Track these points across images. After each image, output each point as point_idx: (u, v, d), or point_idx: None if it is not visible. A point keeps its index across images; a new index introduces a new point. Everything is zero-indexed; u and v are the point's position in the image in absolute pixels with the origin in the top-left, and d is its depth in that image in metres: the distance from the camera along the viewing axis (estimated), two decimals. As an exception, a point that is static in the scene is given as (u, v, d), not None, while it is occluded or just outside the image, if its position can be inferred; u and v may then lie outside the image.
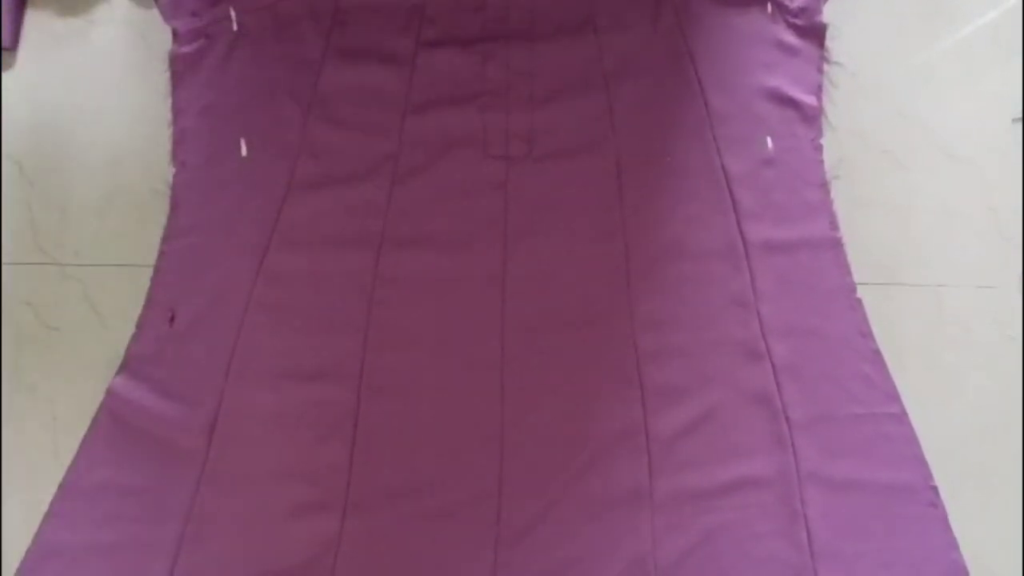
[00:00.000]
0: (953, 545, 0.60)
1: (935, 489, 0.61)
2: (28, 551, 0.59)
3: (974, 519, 0.60)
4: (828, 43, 0.69)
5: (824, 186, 0.66)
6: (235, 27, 0.69)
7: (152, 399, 0.62)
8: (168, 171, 0.67)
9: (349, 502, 0.60)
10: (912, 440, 0.61)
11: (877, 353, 0.63)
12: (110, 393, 0.62)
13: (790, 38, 0.69)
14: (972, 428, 0.63)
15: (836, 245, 0.65)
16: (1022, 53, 0.69)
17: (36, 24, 0.72)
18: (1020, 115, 0.69)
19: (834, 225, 0.66)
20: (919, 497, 0.61)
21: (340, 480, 0.60)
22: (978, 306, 0.65)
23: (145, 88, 0.70)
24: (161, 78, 0.69)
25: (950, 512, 0.60)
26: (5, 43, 0.71)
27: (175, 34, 0.69)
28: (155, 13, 0.71)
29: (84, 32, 0.72)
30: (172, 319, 0.64)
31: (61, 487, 0.61)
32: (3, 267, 0.67)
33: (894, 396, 0.62)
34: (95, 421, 0.62)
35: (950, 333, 0.65)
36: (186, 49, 0.69)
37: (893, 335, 0.64)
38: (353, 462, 0.60)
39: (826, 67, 0.69)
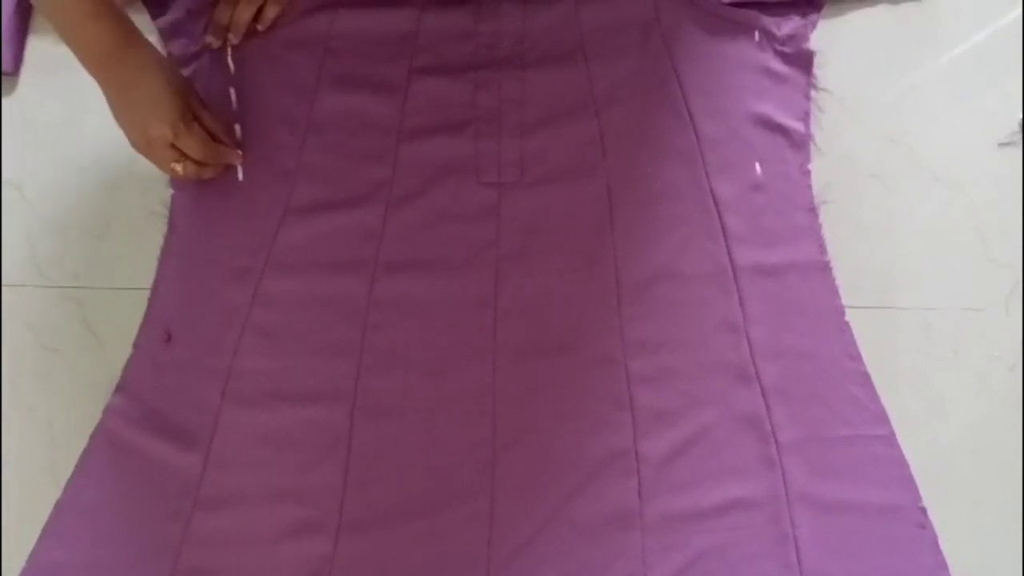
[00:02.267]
0: (942, 566, 0.60)
1: (924, 510, 0.61)
2: (23, 571, 0.60)
3: (963, 540, 0.61)
4: (816, 70, 0.70)
5: (812, 210, 0.67)
6: (230, 52, 0.70)
7: (148, 420, 0.63)
8: (166, 194, 0.68)
9: (342, 524, 0.60)
10: (901, 461, 0.62)
11: (866, 375, 0.64)
12: (107, 413, 0.63)
13: (778, 65, 0.70)
14: (961, 449, 0.63)
15: (824, 268, 0.66)
16: (1021, 76, 0.70)
17: (38, 49, 0.73)
18: (1005, 139, 0.70)
19: (822, 249, 0.66)
20: (908, 518, 0.61)
21: (333, 502, 0.61)
22: (966, 328, 0.66)
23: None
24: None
25: (939, 533, 0.61)
26: (7, 68, 0.72)
27: (170, 57, 0.71)
28: (154, 38, 0.72)
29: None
30: (168, 339, 0.64)
31: (57, 506, 0.61)
32: (2, 288, 0.68)
33: (883, 418, 0.63)
34: (92, 441, 0.63)
35: (938, 355, 0.65)
36: (182, 73, 0.70)
37: (882, 357, 0.64)
38: (347, 484, 0.61)
39: (814, 93, 0.70)
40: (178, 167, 0.63)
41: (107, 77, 0.59)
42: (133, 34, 0.60)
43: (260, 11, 0.70)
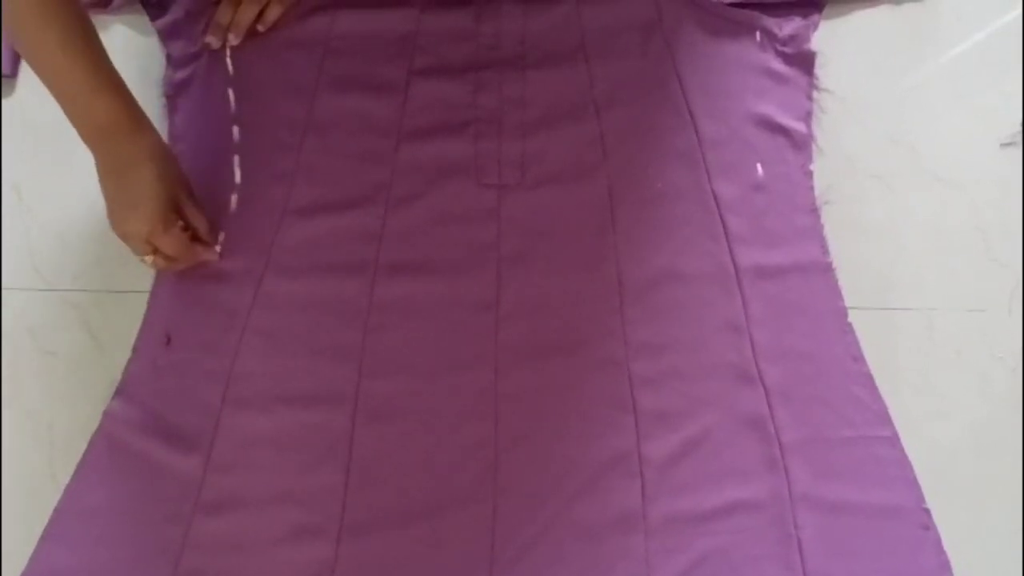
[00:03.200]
0: (946, 567, 0.60)
1: (927, 511, 0.61)
2: (23, 573, 0.60)
3: (967, 541, 0.61)
4: (817, 70, 0.70)
5: (814, 211, 0.67)
6: (228, 53, 0.70)
7: (148, 423, 0.62)
8: (166, 196, 0.68)
9: (344, 527, 0.60)
10: (904, 462, 0.62)
11: (868, 376, 0.63)
12: (106, 417, 0.63)
13: (779, 66, 0.70)
14: (964, 450, 0.63)
15: (827, 269, 0.66)
16: (1021, 75, 0.70)
17: (36, 52, 0.73)
18: (1007, 139, 0.69)
19: (825, 250, 0.66)
20: (911, 519, 0.61)
21: (335, 505, 0.60)
22: (968, 329, 0.66)
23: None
24: (158, 103, 0.70)
25: (943, 534, 0.60)
26: (5, 70, 0.72)
27: (169, 59, 0.71)
28: (153, 41, 0.72)
29: (83, 59, 0.72)
30: (168, 341, 0.64)
31: (57, 510, 0.61)
32: (2, 292, 0.68)
33: (885, 419, 0.63)
34: (91, 445, 0.62)
35: (941, 356, 0.65)
36: (180, 74, 0.70)
37: (884, 358, 0.64)
38: (348, 487, 0.61)
39: (815, 94, 0.70)
40: (147, 260, 0.61)
41: (100, 153, 0.58)
42: (135, 116, 0.58)
43: (262, 12, 0.70)
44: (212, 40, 0.70)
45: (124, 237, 0.60)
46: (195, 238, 0.63)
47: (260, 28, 0.70)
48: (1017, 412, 0.64)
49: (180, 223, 0.61)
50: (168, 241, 0.60)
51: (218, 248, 0.65)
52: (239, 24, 0.69)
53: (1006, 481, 0.63)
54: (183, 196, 0.62)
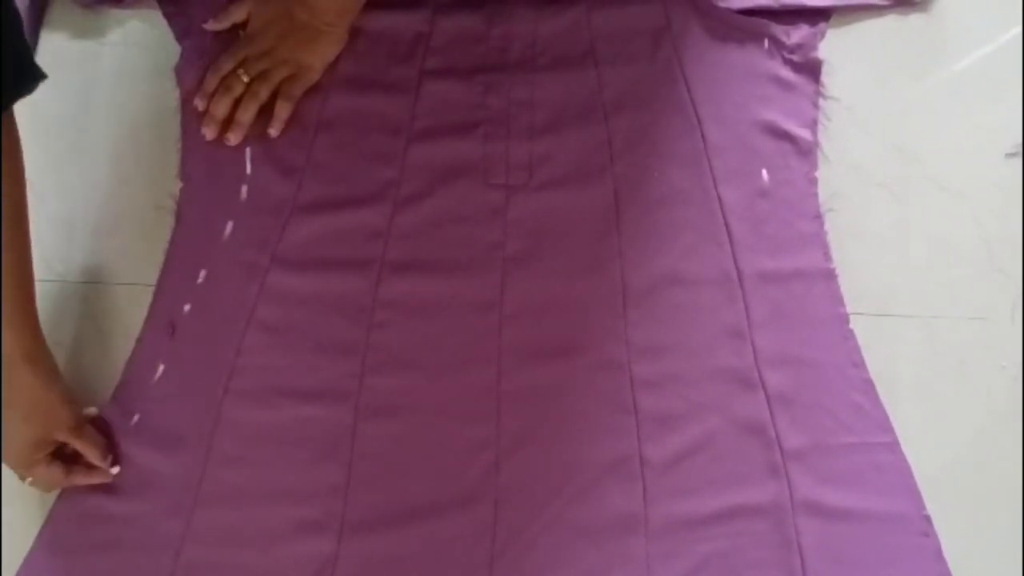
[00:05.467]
0: (946, 575, 0.60)
1: (928, 519, 0.61)
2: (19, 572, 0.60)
3: (967, 550, 0.61)
4: (824, 78, 0.71)
5: (818, 218, 0.67)
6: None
7: (148, 419, 0.63)
8: (175, 188, 0.69)
9: (345, 523, 0.60)
10: (904, 469, 0.62)
11: (869, 383, 0.64)
12: (104, 414, 0.63)
13: (786, 73, 0.70)
14: (966, 458, 0.63)
15: (829, 276, 0.66)
16: (1021, 89, 0.71)
17: (51, 46, 0.73)
18: (1011, 149, 0.70)
19: (828, 257, 0.66)
20: (912, 527, 0.61)
21: (336, 501, 0.61)
22: (971, 337, 0.66)
23: (155, 108, 0.71)
24: (171, 96, 0.70)
25: (943, 542, 0.61)
26: (17, 64, 0.72)
27: (184, 54, 0.71)
28: (167, 35, 0.72)
29: (96, 53, 0.73)
30: (172, 332, 0.64)
31: (51, 516, 0.61)
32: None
33: (886, 426, 0.63)
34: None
35: (943, 364, 0.66)
36: (194, 67, 0.70)
37: (887, 365, 0.64)
38: (349, 483, 0.61)
39: (822, 102, 0.70)
40: (27, 480, 0.59)
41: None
42: (25, 352, 0.55)
43: (265, 110, 0.67)
44: (206, 132, 0.67)
45: (6, 454, 0.58)
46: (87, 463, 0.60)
47: (272, 133, 0.67)
48: (1018, 421, 0.64)
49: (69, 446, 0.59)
50: (37, 478, 0.58)
51: (114, 470, 0.60)
52: (240, 123, 0.66)
53: (1007, 490, 0.63)
54: (63, 432, 0.58)
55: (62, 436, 0.58)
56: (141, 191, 0.69)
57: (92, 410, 0.62)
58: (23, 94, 0.52)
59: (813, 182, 0.68)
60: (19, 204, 0.55)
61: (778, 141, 0.68)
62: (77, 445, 0.59)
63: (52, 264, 0.68)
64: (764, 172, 0.68)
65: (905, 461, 0.62)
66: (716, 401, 0.63)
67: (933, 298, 0.67)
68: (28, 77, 0.52)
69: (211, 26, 0.70)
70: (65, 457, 0.59)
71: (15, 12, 0.52)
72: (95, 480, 0.60)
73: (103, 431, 0.61)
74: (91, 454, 0.59)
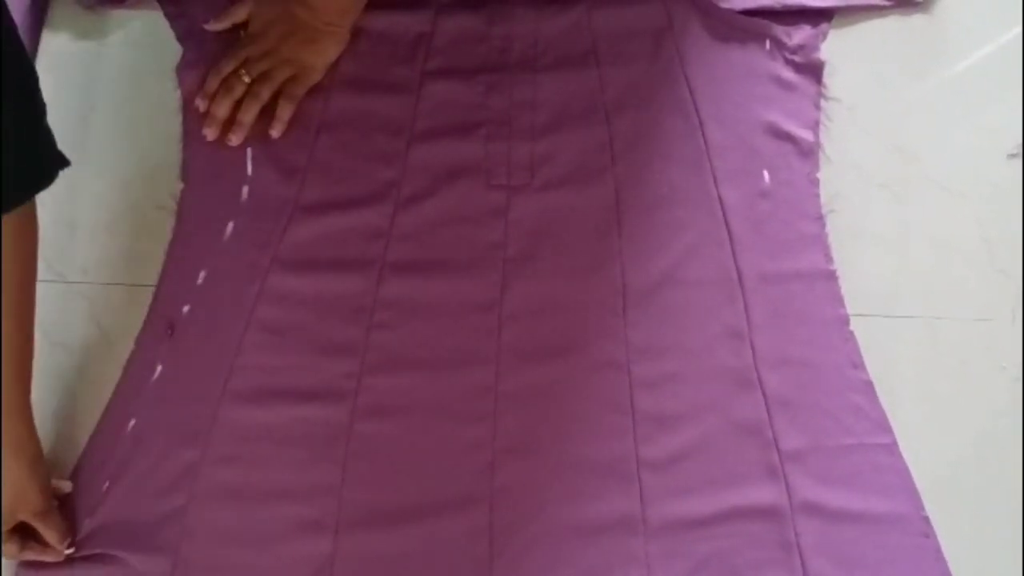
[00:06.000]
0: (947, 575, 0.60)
1: (927, 519, 0.61)
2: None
3: (968, 551, 0.61)
4: (825, 79, 0.71)
5: (820, 219, 0.67)
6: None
7: (147, 416, 0.63)
8: (176, 188, 0.69)
9: (341, 523, 0.60)
10: (903, 470, 0.62)
11: (869, 384, 0.64)
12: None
13: (788, 74, 0.70)
14: (966, 460, 0.63)
15: (830, 277, 0.66)
16: (1022, 90, 0.71)
17: (52, 46, 0.73)
18: (1013, 150, 0.70)
19: (828, 258, 0.66)
20: (911, 527, 0.61)
21: (332, 500, 0.61)
22: (973, 338, 0.66)
23: (157, 108, 0.71)
24: (172, 97, 0.71)
25: (944, 543, 0.61)
26: (20, 64, 0.72)
27: (185, 53, 0.71)
28: (169, 36, 0.72)
29: (98, 54, 0.73)
30: (171, 332, 0.64)
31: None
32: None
33: (885, 427, 0.63)
34: (87, 450, 0.63)
35: (945, 365, 0.65)
36: (195, 68, 0.70)
37: (888, 367, 0.64)
38: (345, 483, 0.61)
39: (823, 102, 0.70)
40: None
41: None
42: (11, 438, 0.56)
43: (267, 110, 0.66)
44: (208, 132, 0.66)
45: None
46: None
47: (274, 134, 0.67)
48: (1019, 421, 0.64)
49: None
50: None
51: (69, 551, 0.59)
52: (242, 124, 0.66)
53: (1008, 491, 0.63)
54: (29, 515, 0.58)
55: (27, 518, 0.58)
56: (141, 191, 0.70)
57: (66, 485, 0.61)
58: (39, 188, 0.51)
59: (814, 183, 0.68)
60: (24, 293, 0.55)
61: (779, 142, 0.68)
62: (40, 528, 0.58)
63: (52, 264, 0.68)
64: (765, 173, 0.68)
65: (904, 462, 0.62)
66: (715, 402, 0.63)
67: (934, 299, 0.67)
68: (46, 169, 0.51)
69: (212, 26, 0.70)
70: (24, 530, 0.59)
71: (39, 101, 0.50)
72: (48, 558, 0.59)
73: (68, 506, 0.61)
74: (51, 537, 0.59)
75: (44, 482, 0.59)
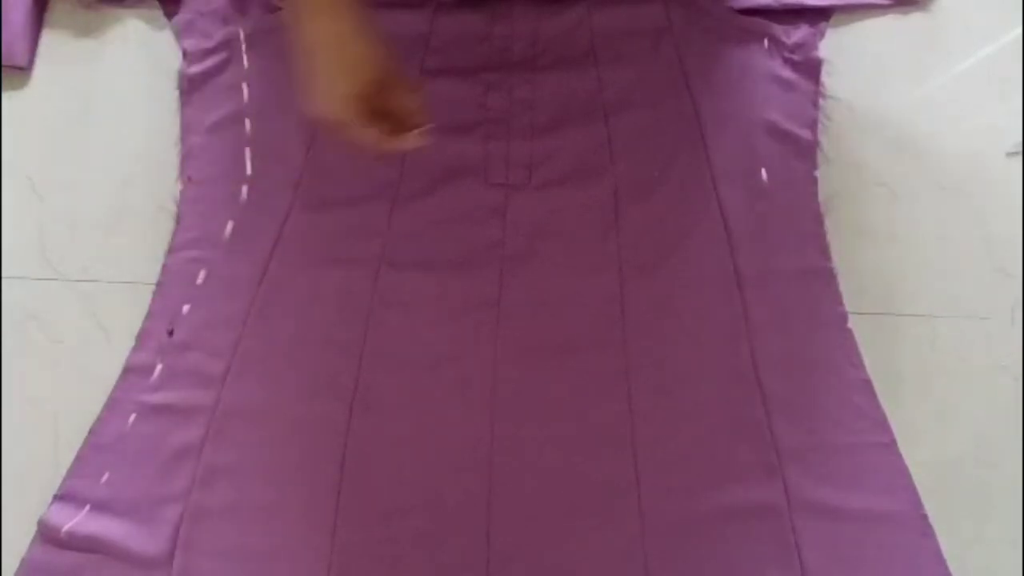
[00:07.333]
0: (945, 574, 0.60)
1: (926, 518, 0.61)
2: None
3: (967, 549, 0.61)
4: (824, 78, 0.71)
5: (818, 218, 0.67)
6: (244, 48, 0.71)
7: (146, 414, 0.63)
8: (176, 188, 0.69)
9: (339, 518, 0.60)
10: (902, 469, 0.62)
11: (867, 383, 0.64)
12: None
13: (786, 73, 0.70)
14: (966, 457, 0.63)
15: (829, 276, 0.66)
16: (1022, 89, 0.71)
17: (51, 44, 0.74)
18: (1012, 149, 0.70)
19: (827, 256, 0.66)
20: (910, 526, 0.61)
21: (331, 496, 0.61)
22: (972, 336, 0.66)
23: (156, 107, 0.71)
24: (172, 96, 0.71)
25: (943, 541, 0.61)
26: (20, 62, 0.72)
27: (185, 54, 0.71)
28: (167, 34, 0.73)
29: (97, 52, 0.73)
30: (171, 333, 0.64)
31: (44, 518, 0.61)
32: (11, 280, 0.68)
33: (884, 425, 0.63)
34: (87, 445, 0.63)
35: (944, 363, 0.66)
36: (195, 69, 0.70)
37: (887, 365, 0.64)
38: (343, 479, 0.61)
39: (822, 101, 0.70)
40: (366, 134, 0.54)
41: (316, 27, 0.54)
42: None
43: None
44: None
45: (334, 107, 0.54)
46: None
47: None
48: (1019, 421, 0.64)
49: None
50: (355, 134, 0.53)
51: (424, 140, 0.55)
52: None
53: (1007, 489, 0.63)
54: (373, 85, 0.54)
55: (373, 83, 0.54)
56: (141, 191, 0.70)
57: None
58: None
59: (813, 181, 0.68)
60: None
61: (778, 141, 0.69)
62: (399, 94, 0.55)
63: (53, 263, 0.68)
64: (764, 172, 0.68)
65: (902, 461, 0.62)
66: (713, 401, 0.63)
67: (934, 297, 0.67)
68: None
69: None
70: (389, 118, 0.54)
71: None
72: (407, 145, 0.55)
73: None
74: (411, 103, 0.55)
75: (371, 50, 0.54)
